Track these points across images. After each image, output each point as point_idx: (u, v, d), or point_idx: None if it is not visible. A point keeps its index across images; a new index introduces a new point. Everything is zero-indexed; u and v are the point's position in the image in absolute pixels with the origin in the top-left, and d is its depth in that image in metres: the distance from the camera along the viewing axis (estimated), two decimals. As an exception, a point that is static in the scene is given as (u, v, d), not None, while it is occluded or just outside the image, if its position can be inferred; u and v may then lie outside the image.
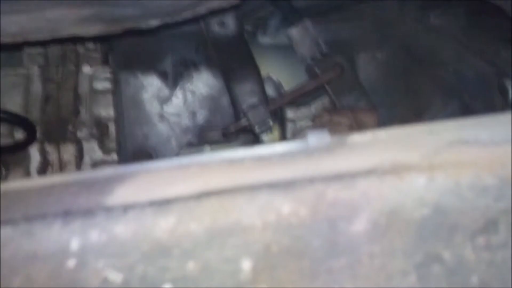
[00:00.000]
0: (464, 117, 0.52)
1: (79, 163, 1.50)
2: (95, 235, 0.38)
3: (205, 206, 0.39)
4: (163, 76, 1.53)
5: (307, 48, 1.52)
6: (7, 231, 0.38)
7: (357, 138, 0.50)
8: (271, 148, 0.51)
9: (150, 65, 1.52)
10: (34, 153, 1.47)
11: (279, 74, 1.63)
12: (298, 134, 1.42)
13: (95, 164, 1.52)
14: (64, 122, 1.52)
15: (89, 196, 0.42)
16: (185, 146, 1.53)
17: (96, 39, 1.52)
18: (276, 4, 1.53)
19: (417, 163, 0.39)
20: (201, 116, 1.55)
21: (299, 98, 1.48)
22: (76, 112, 1.54)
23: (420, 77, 1.42)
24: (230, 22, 1.49)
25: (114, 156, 1.51)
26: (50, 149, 1.49)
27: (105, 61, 1.57)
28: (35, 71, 1.52)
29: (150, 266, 0.38)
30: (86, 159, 1.52)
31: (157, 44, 1.51)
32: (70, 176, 0.48)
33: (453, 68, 1.30)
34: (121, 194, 0.42)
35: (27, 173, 1.47)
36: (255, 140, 1.54)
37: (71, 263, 0.38)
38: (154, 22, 0.83)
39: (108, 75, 1.56)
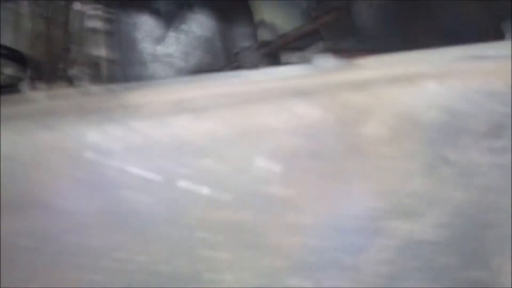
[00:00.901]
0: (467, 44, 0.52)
1: (70, 102, 1.49)
2: (112, 129, 0.38)
3: (222, 107, 0.40)
4: (156, 15, 1.50)
5: (303, -9, 1.49)
6: (26, 123, 0.38)
7: (362, 61, 0.51)
8: (277, 69, 0.51)
9: (142, 3, 1.48)
10: (25, 90, 1.45)
11: (274, 18, 1.61)
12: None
13: (87, 104, 1.51)
14: (55, 59, 1.49)
15: (101, 98, 0.43)
16: (178, 87, 1.52)
17: (87, -25, 1.48)
18: None
19: (428, 71, 0.40)
20: (195, 57, 1.53)
21: (294, 42, 1.47)
22: (67, 50, 1.51)
23: (417, 23, 1.42)
24: (225, -38, 1.46)
25: (106, 96, 1.50)
26: (41, 86, 1.47)
27: (96, -1, 1.53)
28: (24, 6, 1.48)
29: (170, 162, 0.39)
30: (78, 98, 1.50)
31: (151, -18, 1.47)
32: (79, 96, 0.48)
33: (451, 13, 1.29)
34: (132, 96, 0.43)
35: (18, 111, 1.45)
36: (248, 84, 1.53)
37: (89, 155, 0.38)
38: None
39: (100, 13, 1.52)
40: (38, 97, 0.44)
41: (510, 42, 0.49)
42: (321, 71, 0.49)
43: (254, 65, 1.42)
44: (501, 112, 0.39)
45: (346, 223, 0.41)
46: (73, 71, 1.50)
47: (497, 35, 1.08)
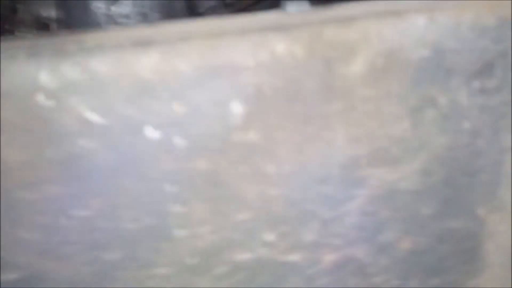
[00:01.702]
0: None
1: (19, 66, 1.39)
2: (67, 69, 0.34)
3: (193, 44, 0.35)
4: (111, -27, 1.41)
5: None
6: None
7: (338, 7, 0.47)
8: (248, 16, 0.47)
9: (95, -40, 1.39)
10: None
11: (235, -22, 1.54)
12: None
13: (37, 68, 1.42)
14: (1, 20, 1.38)
15: (59, 39, 0.38)
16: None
17: None
18: None
19: (417, 6, 0.37)
20: (153, 19, 1.45)
21: (257, 3, 1.42)
22: (14, 10, 1.41)
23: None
24: None
25: (58, 60, 1.41)
26: (-15, 49, 1.36)
27: (43, -46, 1.43)
28: (-36, -39, 1.36)
29: (132, 107, 0.35)
30: (27, 62, 1.41)
31: None
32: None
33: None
34: (91, 37, 0.38)
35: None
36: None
37: (41, 99, 0.34)
38: None
39: (48, -30, 1.42)
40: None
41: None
42: (298, 14, 0.46)
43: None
44: (493, 50, 0.36)
45: (326, 172, 0.38)
46: (20, 32, 1.40)
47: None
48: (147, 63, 0.35)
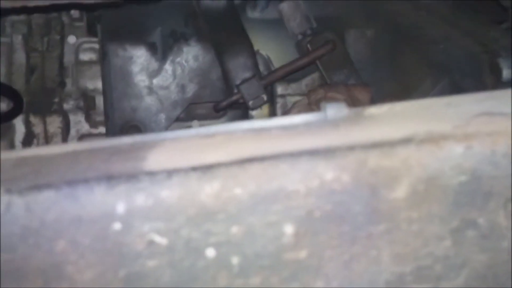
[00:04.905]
0: (474, 92, 0.53)
1: (65, 136, 1.47)
2: (141, 199, 0.38)
3: (248, 172, 0.39)
4: (152, 48, 1.51)
5: (298, 23, 1.51)
6: (50, 194, 0.37)
7: (374, 110, 0.51)
8: (290, 119, 0.51)
9: (139, 36, 1.49)
10: (18, 124, 1.43)
11: (268, 49, 1.62)
12: (288, 108, 1.43)
13: (82, 137, 1.50)
14: (50, 93, 1.48)
15: (125, 162, 0.42)
16: (174, 120, 1.52)
17: (82, 8, 1.48)
18: (266, -22, 1.51)
19: (452, 133, 0.41)
20: (191, 89, 1.53)
21: (290, 74, 1.48)
22: (62, 84, 1.50)
23: (409, 55, 1.44)
24: (221, -5, 1.47)
25: (101, 129, 1.49)
26: (35, 121, 1.45)
27: (90, 32, 1.53)
28: (18, 40, 1.48)
29: (195, 230, 0.39)
30: (73, 131, 1.49)
31: (146, 16, 1.48)
32: (90, 144, 0.47)
33: (442, 46, 1.32)
34: (157, 160, 0.42)
35: (11, 145, 1.43)
36: (244, 115, 1.54)
37: (116, 226, 0.38)
38: (157, -9, 0.81)
39: (95, 46, 1.53)
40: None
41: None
42: (336, 124, 0.49)
43: (255, 97, 1.42)
44: (527, 176, 0.39)
45: None
46: (68, 105, 1.49)
47: (493, 71, 1.11)
48: (209, 191, 0.38)
